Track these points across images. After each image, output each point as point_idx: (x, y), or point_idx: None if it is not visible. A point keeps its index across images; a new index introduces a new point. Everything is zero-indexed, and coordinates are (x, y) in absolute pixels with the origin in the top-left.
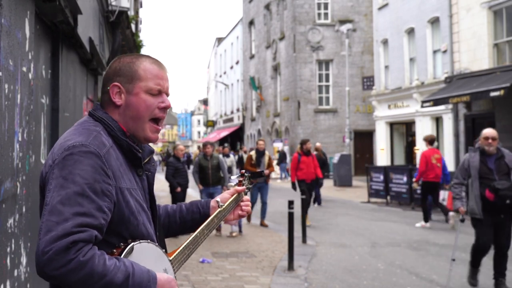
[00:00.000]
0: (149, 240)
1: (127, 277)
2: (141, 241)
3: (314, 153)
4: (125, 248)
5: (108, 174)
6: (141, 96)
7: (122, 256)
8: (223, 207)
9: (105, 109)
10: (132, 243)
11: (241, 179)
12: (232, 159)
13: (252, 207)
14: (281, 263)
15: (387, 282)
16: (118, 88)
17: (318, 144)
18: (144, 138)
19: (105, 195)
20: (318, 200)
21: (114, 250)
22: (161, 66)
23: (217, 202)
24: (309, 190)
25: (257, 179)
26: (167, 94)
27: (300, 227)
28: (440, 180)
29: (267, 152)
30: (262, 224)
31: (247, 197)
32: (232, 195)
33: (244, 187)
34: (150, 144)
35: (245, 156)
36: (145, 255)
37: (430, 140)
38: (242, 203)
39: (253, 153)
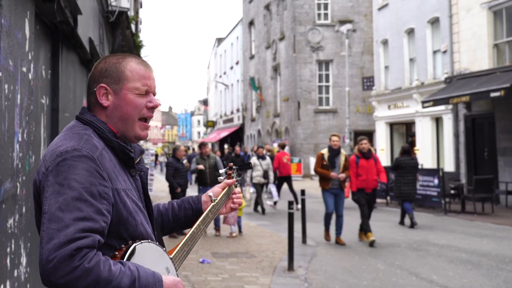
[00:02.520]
0: (149, 240)
1: (133, 281)
2: (142, 241)
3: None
4: (127, 250)
5: (103, 177)
6: (128, 97)
7: (125, 258)
8: (216, 201)
9: (92, 111)
10: (134, 244)
11: (230, 172)
12: (268, 161)
13: (329, 218)
14: (281, 263)
15: (387, 282)
16: (104, 90)
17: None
18: (134, 136)
19: (103, 198)
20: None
21: (117, 253)
22: (147, 66)
23: (210, 196)
24: (369, 202)
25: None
26: (154, 94)
27: (300, 227)
28: (290, 174)
29: (343, 151)
30: (339, 242)
31: (238, 189)
32: (223, 189)
33: (234, 179)
34: (148, 144)
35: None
36: (146, 255)
37: (281, 146)
38: (233, 196)
39: (325, 151)
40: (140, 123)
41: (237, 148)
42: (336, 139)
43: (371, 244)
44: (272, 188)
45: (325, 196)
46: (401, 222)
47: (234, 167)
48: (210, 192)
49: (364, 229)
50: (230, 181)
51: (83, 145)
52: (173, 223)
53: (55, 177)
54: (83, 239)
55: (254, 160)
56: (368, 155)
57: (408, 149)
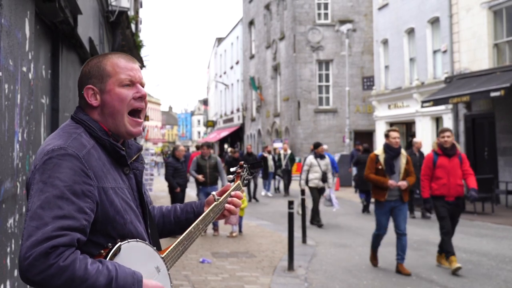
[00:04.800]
0: (138, 239)
1: (110, 281)
2: (129, 240)
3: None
4: (112, 248)
5: (88, 175)
6: (115, 91)
7: (109, 257)
8: (220, 200)
9: (85, 111)
10: (120, 243)
11: (239, 170)
12: (327, 161)
13: (379, 239)
14: (281, 263)
15: (387, 282)
16: (92, 90)
17: (417, 140)
18: (126, 132)
19: (87, 196)
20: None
21: (102, 251)
22: (128, 59)
23: (213, 195)
24: (452, 214)
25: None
26: (142, 84)
27: (300, 227)
28: None
29: (404, 152)
30: (401, 271)
31: (239, 193)
32: (225, 191)
33: (239, 181)
34: (149, 144)
35: (269, 158)
36: (134, 254)
37: (197, 147)
38: (229, 198)
39: (379, 151)
40: (130, 119)
41: (249, 146)
42: (397, 135)
43: (455, 271)
44: (332, 194)
45: (377, 211)
46: (364, 211)
47: (245, 165)
48: (215, 192)
49: (446, 250)
50: (227, 186)
51: (70, 143)
52: (174, 225)
53: (40, 175)
54: (60, 237)
55: (311, 159)
56: (451, 151)
57: (367, 148)
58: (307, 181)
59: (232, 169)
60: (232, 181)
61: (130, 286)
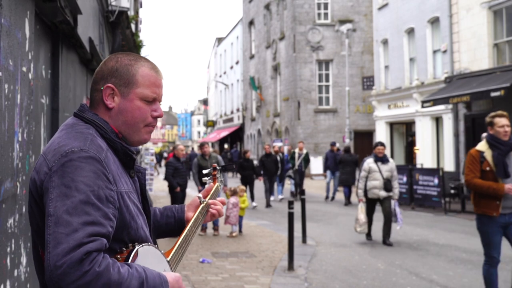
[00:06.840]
0: (149, 243)
1: (142, 283)
2: (143, 244)
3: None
4: (130, 253)
5: (109, 179)
6: (135, 103)
7: (130, 260)
8: (205, 203)
9: (94, 108)
10: (137, 247)
11: (214, 172)
12: (392, 166)
13: (495, 274)
14: (281, 263)
15: (387, 282)
16: (111, 90)
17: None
18: (138, 140)
19: (109, 202)
20: None
21: (118, 256)
22: (158, 73)
23: (199, 198)
24: None
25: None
26: (160, 101)
27: (300, 226)
28: None
29: None
30: None
31: (221, 198)
32: (209, 192)
33: (218, 182)
34: (149, 143)
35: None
36: (148, 258)
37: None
38: (212, 204)
39: (483, 147)
40: (145, 128)
41: (266, 146)
42: (506, 122)
43: None
44: (397, 207)
45: (485, 229)
46: (346, 203)
47: (218, 167)
48: (200, 194)
49: None
50: (212, 185)
51: (89, 145)
52: (154, 229)
53: (60, 178)
54: (92, 242)
55: (370, 163)
56: None
57: (348, 148)
58: (365, 191)
59: (205, 171)
60: (208, 183)
61: (159, 287)
